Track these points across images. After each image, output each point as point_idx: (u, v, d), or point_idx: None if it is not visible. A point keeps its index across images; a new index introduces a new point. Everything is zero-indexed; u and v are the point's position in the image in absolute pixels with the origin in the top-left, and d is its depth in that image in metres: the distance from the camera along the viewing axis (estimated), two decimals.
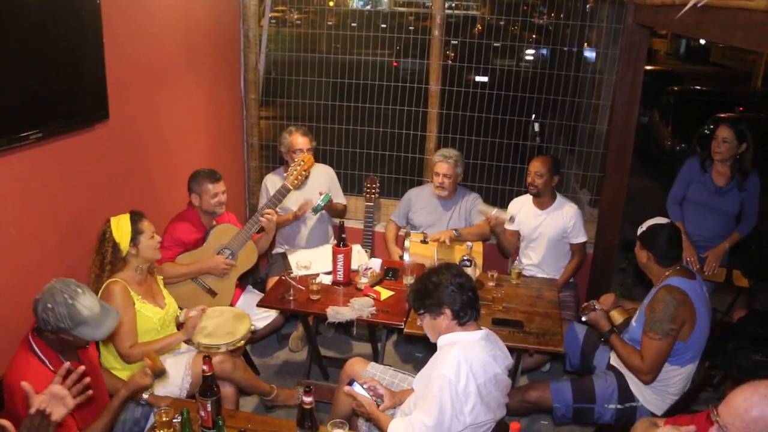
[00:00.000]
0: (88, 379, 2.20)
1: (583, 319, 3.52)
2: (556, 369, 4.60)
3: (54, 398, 2.12)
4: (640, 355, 3.25)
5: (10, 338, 3.03)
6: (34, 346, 2.54)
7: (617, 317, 3.58)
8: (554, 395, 3.51)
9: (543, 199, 4.50)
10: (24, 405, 2.41)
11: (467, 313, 2.70)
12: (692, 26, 3.12)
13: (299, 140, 4.56)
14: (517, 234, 4.63)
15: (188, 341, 3.36)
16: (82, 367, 2.19)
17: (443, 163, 4.53)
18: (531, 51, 5.96)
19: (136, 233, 3.24)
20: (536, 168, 4.40)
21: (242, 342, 3.41)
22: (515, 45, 5.12)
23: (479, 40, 5.06)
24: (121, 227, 3.24)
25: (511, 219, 4.24)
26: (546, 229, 4.50)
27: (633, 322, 3.47)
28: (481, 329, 2.76)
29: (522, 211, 4.55)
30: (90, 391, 2.23)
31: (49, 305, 2.41)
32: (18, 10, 2.92)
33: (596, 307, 3.47)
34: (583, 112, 5.11)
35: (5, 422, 2.09)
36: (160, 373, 2.70)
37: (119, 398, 2.63)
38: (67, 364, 2.19)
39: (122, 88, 3.75)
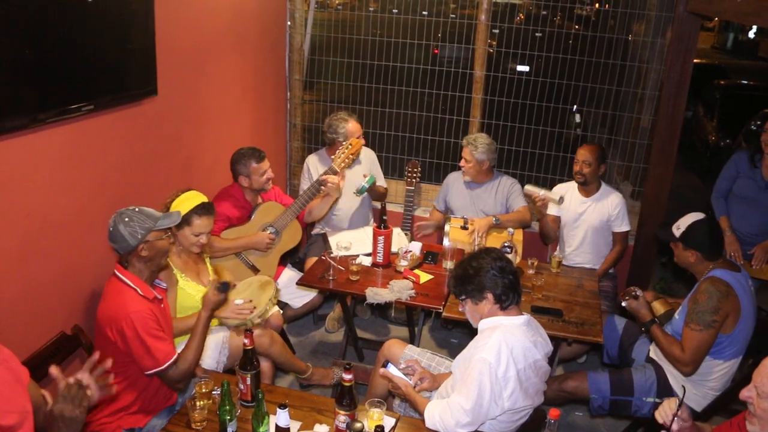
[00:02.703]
0: (111, 379, 2.25)
1: (623, 304, 3.47)
2: (591, 362, 4.57)
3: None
4: (680, 346, 3.19)
5: (64, 296, 3.14)
6: (122, 276, 2.74)
7: (659, 308, 3.54)
8: (592, 386, 3.48)
9: (589, 187, 4.46)
10: (132, 325, 2.61)
11: (509, 297, 2.69)
12: (750, 14, 3.04)
13: (357, 128, 4.59)
14: (558, 220, 4.59)
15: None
16: (109, 362, 2.23)
17: (464, 147, 4.55)
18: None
19: (185, 220, 3.25)
20: (584, 156, 4.35)
21: (267, 311, 3.36)
22: (562, 32, 5.04)
23: (525, 26, 5.01)
24: (181, 203, 3.27)
25: (560, 200, 4.19)
26: (589, 216, 4.47)
27: (676, 315, 3.41)
28: (522, 314, 2.74)
29: (566, 197, 4.51)
30: (113, 389, 2.26)
31: (126, 219, 2.70)
32: None
33: (638, 294, 3.42)
34: (629, 102, 5.03)
35: (55, 372, 2.13)
36: (224, 287, 2.82)
37: (201, 320, 2.84)
38: (95, 355, 2.19)
39: (171, 64, 3.79)
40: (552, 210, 4.45)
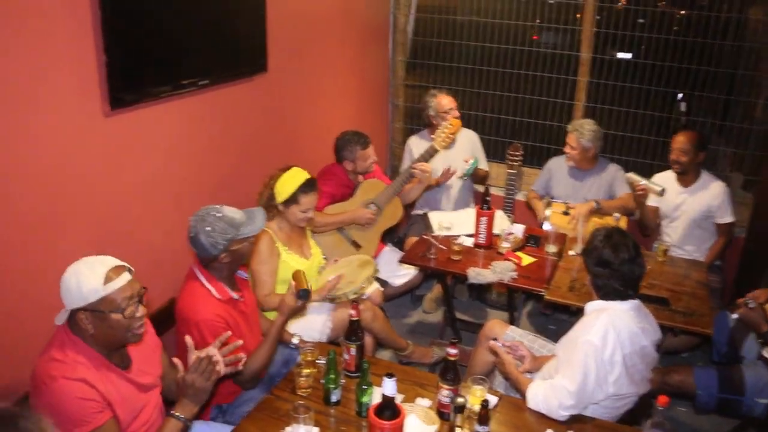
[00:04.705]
0: (242, 356, 2.36)
1: (734, 316, 3.31)
2: (694, 357, 4.39)
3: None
4: None
5: (174, 268, 3.25)
6: (199, 275, 2.73)
7: None
8: (698, 381, 3.33)
9: (687, 177, 4.29)
10: (200, 332, 2.62)
11: (607, 292, 2.65)
12: None
13: (444, 101, 4.60)
14: (657, 211, 4.43)
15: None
16: (240, 342, 2.38)
17: (570, 133, 4.48)
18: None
19: (292, 199, 3.33)
20: (681, 144, 4.18)
21: (363, 288, 3.37)
22: (670, 13, 4.84)
23: (632, 6, 4.84)
24: (286, 183, 3.34)
25: (662, 192, 4.04)
26: (688, 207, 4.29)
27: None
28: (632, 299, 2.67)
29: (665, 187, 4.33)
30: (240, 365, 2.38)
31: (208, 228, 2.60)
32: None
33: (750, 304, 3.22)
34: (745, 86, 4.77)
35: (190, 342, 2.31)
36: (303, 294, 2.74)
37: (277, 325, 2.76)
38: (227, 333, 2.34)
39: (280, 42, 3.89)
40: (651, 200, 4.29)
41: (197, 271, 2.75)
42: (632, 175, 4.15)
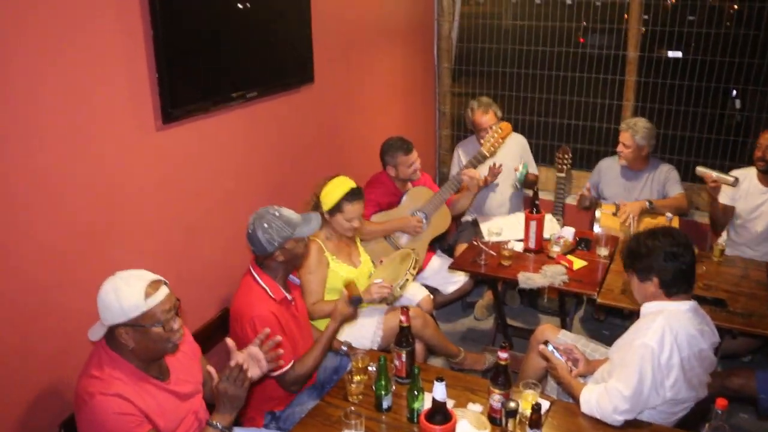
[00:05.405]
0: (281, 351, 2.38)
1: None
2: (755, 361, 4.25)
3: (252, 358, 2.36)
4: None
5: (226, 277, 3.33)
6: (255, 275, 2.81)
7: None
8: (760, 385, 3.24)
9: None
10: (254, 328, 2.67)
11: (677, 287, 2.57)
12: None
13: (482, 119, 4.58)
14: (731, 210, 4.29)
15: None
16: (279, 338, 2.40)
17: (623, 131, 4.40)
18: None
19: (337, 207, 3.34)
20: None
21: (407, 280, 3.37)
22: (721, 6, 4.73)
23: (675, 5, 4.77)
24: (331, 192, 3.35)
25: (735, 181, 3.89)
26: None
27: None
28: (689, 300, 2.61)
29: (743, 185, 4.18)
30: (281, 362, 2.43)
31: (266, 225, 2.69)
32: None
33: None
34: None
35: (231, 344, 2.33)
36: (356, 300, 2.83)
37: (329, 331, 2.84)
38: (266, 330, 2.37)
39: (326, 53, 3.95)
40: (725, 198, 4.16)
41: (253, 270, 2.83)
42: (703, 169, 4.02)
